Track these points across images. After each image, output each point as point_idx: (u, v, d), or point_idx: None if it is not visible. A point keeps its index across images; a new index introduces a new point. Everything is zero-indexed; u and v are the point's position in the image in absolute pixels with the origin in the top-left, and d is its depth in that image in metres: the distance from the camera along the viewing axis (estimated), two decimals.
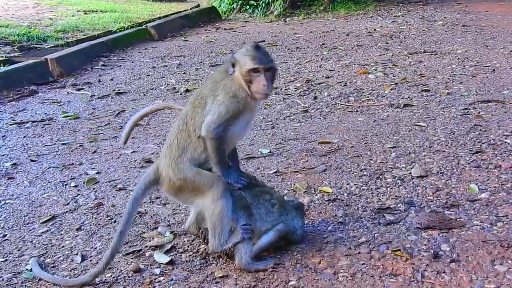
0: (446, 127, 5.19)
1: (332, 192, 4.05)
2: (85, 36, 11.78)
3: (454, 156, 4.51)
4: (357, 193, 4.01)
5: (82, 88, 7.93)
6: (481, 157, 4.46)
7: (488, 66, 7.47)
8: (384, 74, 7.47)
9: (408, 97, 6.31)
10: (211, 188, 3.07)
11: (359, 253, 3.22)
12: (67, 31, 12.48)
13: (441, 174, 4.20)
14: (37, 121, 6.44)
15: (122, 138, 3.83)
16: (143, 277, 3.16)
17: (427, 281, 2.92)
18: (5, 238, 3.76)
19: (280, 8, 14.14)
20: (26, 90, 7.86)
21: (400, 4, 14.35)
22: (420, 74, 7.29)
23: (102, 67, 9.33)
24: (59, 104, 7.16)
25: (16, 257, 3.50)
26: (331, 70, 7.92)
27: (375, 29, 11.12)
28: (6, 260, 3.47)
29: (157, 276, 3.15)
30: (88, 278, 3.10)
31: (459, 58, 8.02)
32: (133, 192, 3.25)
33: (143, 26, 12.34)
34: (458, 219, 3.51)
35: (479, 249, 3.16)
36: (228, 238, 3.11)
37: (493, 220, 3.48)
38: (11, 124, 6.36)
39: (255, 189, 3.25)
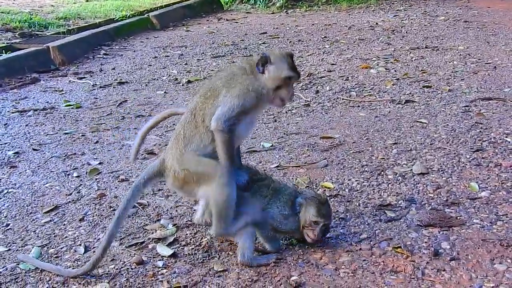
0: (447, 124, 5.22)
1: (334, 187, 4.07)
2: (86, 24, 11.75)
3: (455, 153, 4.55)
4: (358, 189, 4.04)
5: (84, 77, 7.94)
6: (481, 155, 4.49)
7: (490, 63, 7.49)
8: (385, 69, 7.48)
9: (410, 93, 6.33)
10: (215, 176, 3.07)
11: (360, 249, 3.25)
12: (68, 18, 12.45)
13: (442, 172, 4.23)
14: (39, 109, 6.45)
15: (132, 155, 3.83)
16: (146, 269, 3.19)
17: (427, 278, 2.95)
18: (8, 228, 3.78)
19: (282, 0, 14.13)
20: (28, 78, 7.86)
21: None
22: (421, 70, 7.31)
23: (104, 56, 9.32)
24: (61, 93, 7.16)
25: (19, 247, 3.52)
26: (333, 64, 7.93)
27: (377, 23, 11.11)
28: (9, 249, 3.50)
29: (160, 269, 3.18)
30: (88, 267, 3.11)
31: (460, 55, 8.03)
32: (136, 180, 3.27)
33: (145, 15, 12.29)
34: (458, 217, 3.54)
35: (478, 248, 3.20)
36: (232, 223, 3.14)
37: (493, 218, 3.52)
38: (13, 112, 6.37)
39: (255, 185, 3.27)
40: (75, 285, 3.08)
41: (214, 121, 3.05)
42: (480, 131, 5.00)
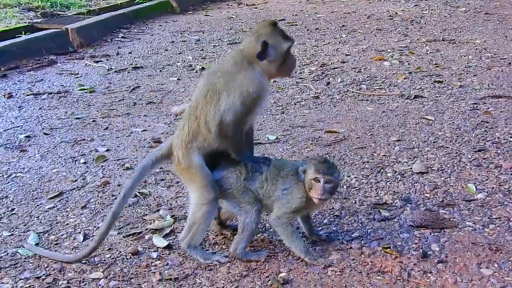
0: (453, 122, 5.22)
1: None
2: (108, 5, 11.84)
3: (456, 153, 4.56)
4: (356, 186, 4.09)
5: (100, 61, 8.05)
6: (483, 155, 4.50)
7: (505, 58, 7.42)
8: (399, 62, 7.46)
9: (420, 88, 6.32)
10: (204, 189, 3.16)
11: (350, 248, 3.31)
12: None
13: (441, 171, 4.25)
14: (54, 93, 6.58)
15: None
16: (140, 259, 3.28)
17: (413, 280, 3.00)
18: (13, 212, 3.90)
19: None
20: (45, 60, 8.00)
21: None
22: (435, 64, 7.28)
23: (122, 39, 9.42)
24: (76, 76, 7.28)
25: (22, 232, 3.64)
26: (347, 55, 7.92)
27: (396, 13, 11.03)
28: (12, 234, 3.62)
29: (153, 260, 3.27)
30: (93, 244, 3.22)
31: (476, 49, 7.97)
32: (143, 160, 3.33)
33: None
34: (451, 219, 3.57)
35: (467, 251, 3.24)
36: (200, 251, 3.24)
37: (485, 222, 3.54)
38: (28, 95, 6.50)
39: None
40: (70, 272, 3.18)
41: (220, 129, 3.07)
42: (485, 130, 4.99)
